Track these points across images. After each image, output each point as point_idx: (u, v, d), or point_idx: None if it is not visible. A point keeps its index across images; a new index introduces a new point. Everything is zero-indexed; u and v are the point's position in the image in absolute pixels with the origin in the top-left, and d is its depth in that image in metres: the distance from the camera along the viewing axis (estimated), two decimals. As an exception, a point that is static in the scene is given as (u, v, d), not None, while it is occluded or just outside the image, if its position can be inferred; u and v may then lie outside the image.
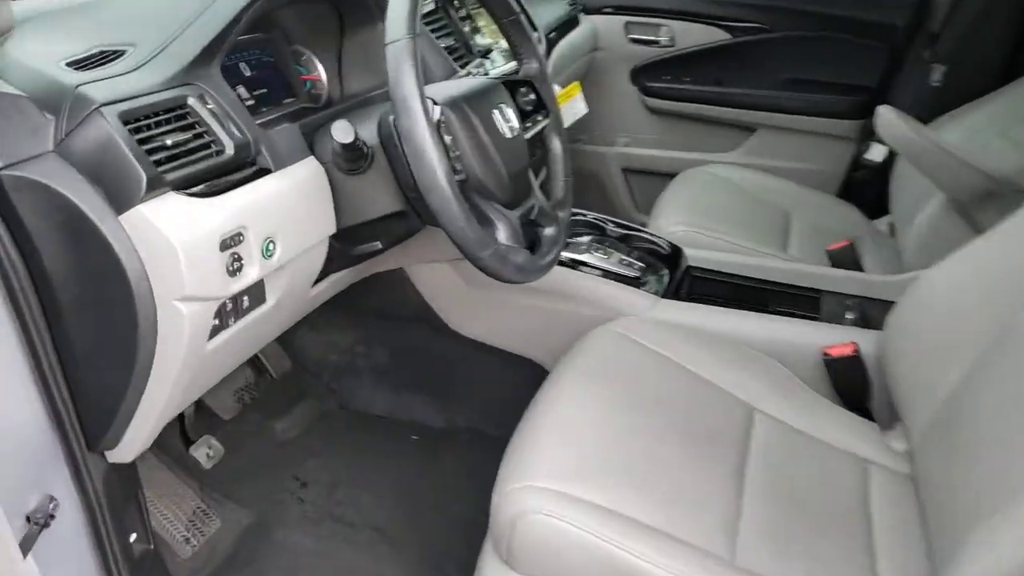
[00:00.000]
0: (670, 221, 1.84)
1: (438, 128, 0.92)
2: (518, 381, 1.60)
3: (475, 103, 1.03)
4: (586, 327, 1.39)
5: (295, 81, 1.24)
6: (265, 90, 1.18)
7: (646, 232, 1.64)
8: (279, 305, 1.03)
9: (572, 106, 2.01)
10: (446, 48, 1.41)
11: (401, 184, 1.04)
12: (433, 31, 1.39)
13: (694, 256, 1.61)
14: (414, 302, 1.56)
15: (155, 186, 0.81)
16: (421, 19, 0.90)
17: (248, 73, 1.17)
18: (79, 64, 0.88)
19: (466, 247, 0.93)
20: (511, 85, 1.15)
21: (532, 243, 1.12)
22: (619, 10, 2.35)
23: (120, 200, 0.80)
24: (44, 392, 0.84)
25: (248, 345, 1.07)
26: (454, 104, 1.00)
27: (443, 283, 1.53)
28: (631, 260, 1.54)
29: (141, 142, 0.82)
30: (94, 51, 0.91)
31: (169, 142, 0.84)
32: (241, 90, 1.14)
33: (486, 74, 1.39)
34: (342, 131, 0.96)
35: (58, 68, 0.85)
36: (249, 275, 0.91)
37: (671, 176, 2.19)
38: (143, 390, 0.87)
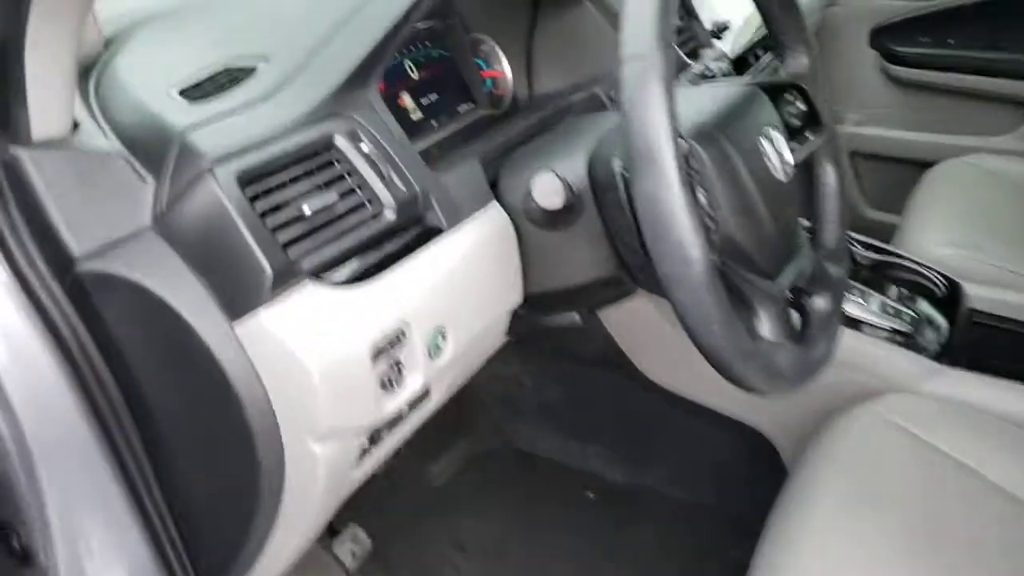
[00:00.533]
0: (932, 239, 1.41)
1: (690, 183, 0.61)
2: (726, 446, 1.29)
3: (735, 131, 0.70)
4: (829, 397, 1.05)
5: (474, 80, 0.96)
6: (436, 96, 0.91)
7: (910, 260, 1.24)
8: (446, 393, 0.78)
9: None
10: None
11: (617, 243, 0.74)
12: None
13: (974, 296, 1.20)
14: (599, 340, 1.27)
15: (284, 279, 0.56)
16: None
17: (415, 75, 0.90)
18: (196, 91, 0.64)
19: (720, 359, 0.62)
20: (772, 91, 0.81)
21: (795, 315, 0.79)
22: (865, -47, 1.87)
23: (235, 302, 0.56)
24: (148, 533, 0.64)
25: (405, 439, 0.83)
26: (707, 137, 0.67)
27: (638, 322, 1.22)
28: (897, 306, 1.16)
29: (268, 211, 0.58)
30: (217, 70, 0.67)
31: (307, 210, 0.59)
32: (406, 99, 0.88)
33: (730, 71, 1.04)
34: (548, 191, 0.67)
35: (167, 99, 0.62)
36: (410, 386, 0.65)
37: (917, 165, 1.73)
38: (268, 534, 0.65)
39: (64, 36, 0.52)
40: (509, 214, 0.77)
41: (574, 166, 0.74)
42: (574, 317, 0.83)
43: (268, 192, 0.59)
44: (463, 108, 0.94)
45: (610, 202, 0.71)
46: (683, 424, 1.30)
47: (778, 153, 0.73)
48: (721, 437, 1.26)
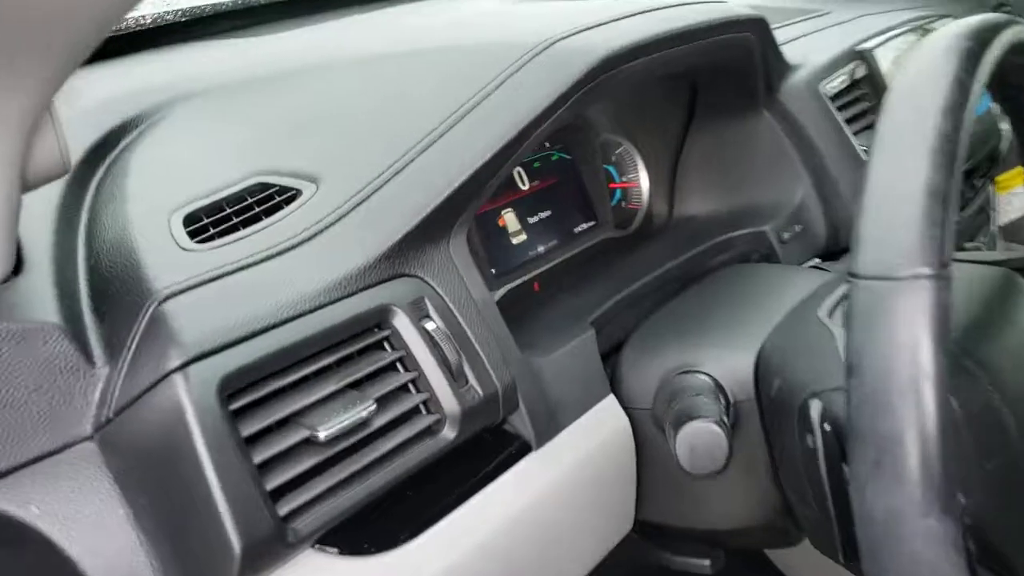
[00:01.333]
0: None
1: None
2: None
3: (996, 358, 0.44)
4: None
5: (599, 192, 0.74)
6: (547, 212, 0.70)
7: None
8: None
9: (1017, 198, 1.26)
10: (853, 132, 0.82)
11: (784, 485, 0.50)
12: (841, 106, 0.79)
13: None
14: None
15: (266, 555, 0.36)
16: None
17: (525, 186, 0.69)
18: (209, 217, 0.45)
19: None
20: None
21: None
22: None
23: (188, 586, 0.36)
24: None
25: None
26: (959, 370, 0.42)
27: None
28: None
29: (262, 434, 0.37)
30: (250, 184, 0.48)
31: (323, 435, 0.38)
32: (508, 217, 0.67)
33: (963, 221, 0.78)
34: (702, 453, 0.44)
35: (163, 232, 0.43)
36: None
37: None
38: None
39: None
40: (627, 410, 0.54)
41: (735, 366, 0.51)
42: (703, 563, 0.59)
43: (268, 400, 0.38)
44: (580, 228, 0.73)
45: (786, 441, 0.47)
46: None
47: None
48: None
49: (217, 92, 0.58)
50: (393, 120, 0.50)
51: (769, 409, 0.49)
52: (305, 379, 0.40)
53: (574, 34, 0.52)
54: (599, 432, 0.52)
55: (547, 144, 0.72)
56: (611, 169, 0.78)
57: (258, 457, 0.37)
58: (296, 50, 0.63)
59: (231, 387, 0.37)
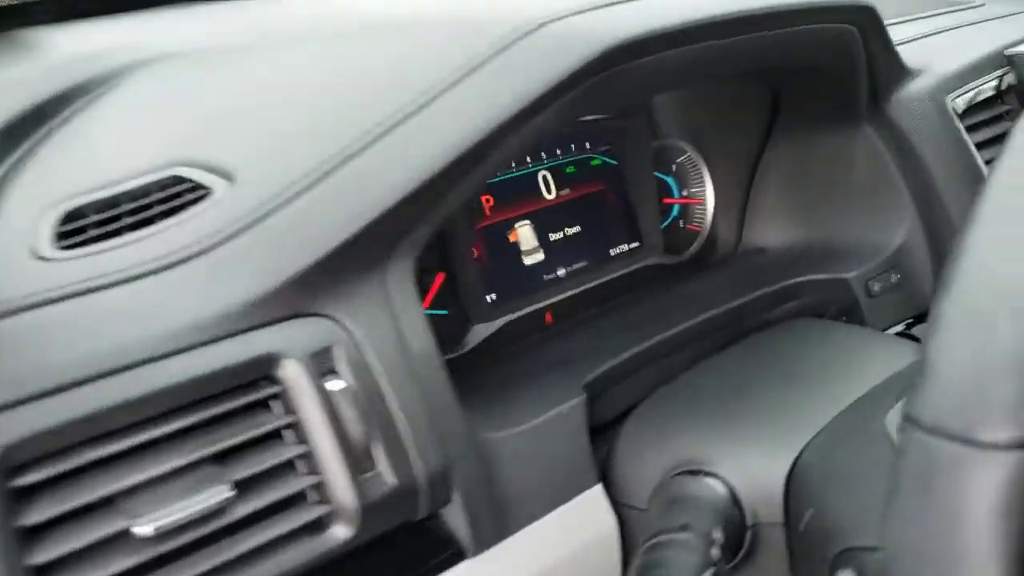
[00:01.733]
0: None
1: None
2: None
3: None
4: None
5: (646, 208, 0.61)
6: (576, 228, 0.58)
7: None
8: None
9: None
10: (985, 161, 0.64)
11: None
12: (974, 125, 0.63)
13: None
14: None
15: None
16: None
17: (550, 194, 0.57)
18: (96, 217, 0.36)
19: None
20: None
21: None
22: None
23: None
24: None
25: None
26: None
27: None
28: None
29: (59, 524, 0.28)
30: (162, 178, 0.38)
31: (140, 531, 0.28)
32: (523, 231, 0.55)
33: None
34: None
35: (23, 233, 0.34)
36: None
37: None
38: None
39: None
40: (617, 507, 0.41)
41: (761, 476, 0.37)
42: None
43: (76, 476, 0.29)
44: (618, 250, 0.60)
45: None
46: None
47: None
48: None
49: (182, 59, 0.48)
50: (336, 109, 0.39)
51: (798, 545, 0.36)
52: (143, 447, 0.30)
53: (584, 12, 0.39)
54: (574, 534, 0.39)
55: (587, 144, 0.59)
56: (669, 180, 0.64)
57: (44, 555, 0.27)
58: (278, 17, 0.53)
59: (19, 458, 0.27)
